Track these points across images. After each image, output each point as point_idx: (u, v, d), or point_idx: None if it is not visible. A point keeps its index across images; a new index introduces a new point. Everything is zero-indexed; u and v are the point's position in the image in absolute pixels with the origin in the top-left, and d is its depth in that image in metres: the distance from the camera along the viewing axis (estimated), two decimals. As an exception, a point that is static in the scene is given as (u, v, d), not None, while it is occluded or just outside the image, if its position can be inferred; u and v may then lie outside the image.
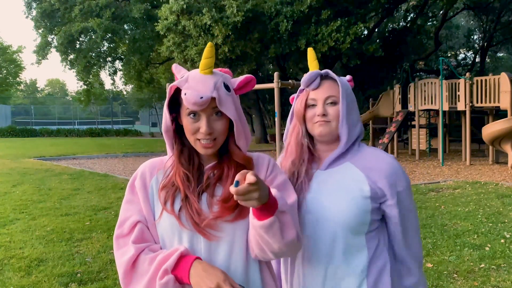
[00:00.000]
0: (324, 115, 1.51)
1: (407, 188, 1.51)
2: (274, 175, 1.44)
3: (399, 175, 1.50)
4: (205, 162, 1.44)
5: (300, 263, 1.52)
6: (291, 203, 1.36)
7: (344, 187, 1.49)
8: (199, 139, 1.36)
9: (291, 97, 1.66)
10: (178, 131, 1.44)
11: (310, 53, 1.64)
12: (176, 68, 1.45)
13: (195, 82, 1.34)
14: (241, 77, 1.41)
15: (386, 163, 1.51)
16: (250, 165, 1.42)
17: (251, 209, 1.27)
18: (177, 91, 1.39)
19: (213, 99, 1.32)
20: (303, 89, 1.59)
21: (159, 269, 1.30)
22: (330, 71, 1.57)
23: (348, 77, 1.63)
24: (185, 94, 1.32)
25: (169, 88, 1.39)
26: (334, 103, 1.52)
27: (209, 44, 1.41)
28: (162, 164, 1.47)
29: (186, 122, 1.37)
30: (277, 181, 1.42)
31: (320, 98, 1.53)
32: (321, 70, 1.57)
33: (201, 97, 1.30)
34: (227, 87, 1.36)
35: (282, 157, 1.65)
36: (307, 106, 1.55)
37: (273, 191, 1.27)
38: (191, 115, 1.35)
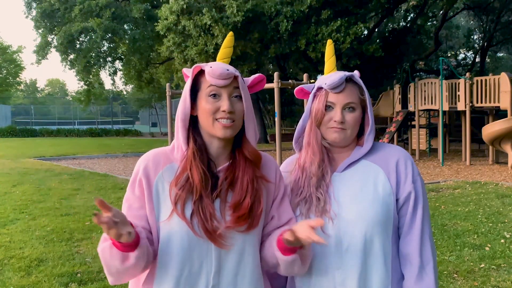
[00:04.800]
0: (342, 122, 1.45)
1: (419, 175, 1.51)
2: (283, 188, 1.48)
3: (411, 160, 1.51)
4: (216, 161, 1.39)
5: (335, 268, 1.44)
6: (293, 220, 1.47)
7: (367, 186, 1.46)
8: (218, 119, 1.33)
9: (297, 88, 1.54)
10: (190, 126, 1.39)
11: (329, 47, 1.56)
12: (187, 70, 1.41)
13: (217, 63, 1.37)
14: (254, 76, 1.43)
15: (398, 151, 1.52)
16: (258, 162, 1.40)
17: (276, 244, 1.36)
18: (195, 79, 1.38)
19: (235, 78, 1.35)
20: (321, 88, 1.49)
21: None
22: (354, 75, 1.50)
23: (356, 72, 1.54)
24: (210, 67, 1.33)
25: (192, 69, 1.38)
26: (353, 109, 1.47)
27: (230, 33, 1.44)
28: (168, 158, 1.39)
29: (205, 103, 1.34)
30: (283, 193, 1.47)
31: (339, 103, 1.46)
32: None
33: (227, 69, 1.33)
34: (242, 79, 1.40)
35: (297, 157, 1.58)
36: (325, 107, 1.48)
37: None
38: (212, 95, 1.34)
